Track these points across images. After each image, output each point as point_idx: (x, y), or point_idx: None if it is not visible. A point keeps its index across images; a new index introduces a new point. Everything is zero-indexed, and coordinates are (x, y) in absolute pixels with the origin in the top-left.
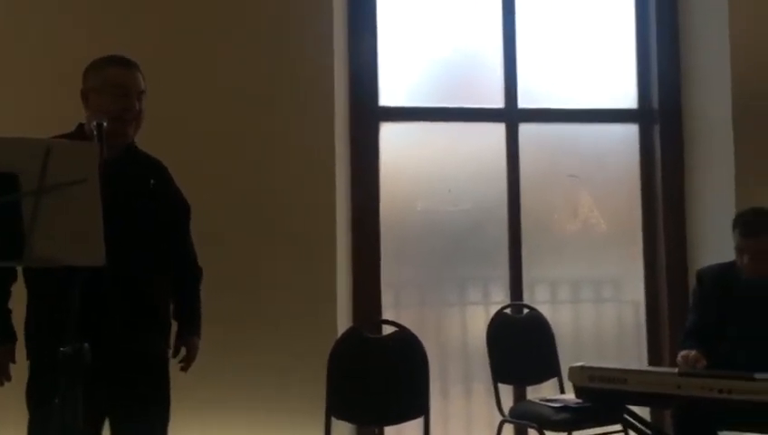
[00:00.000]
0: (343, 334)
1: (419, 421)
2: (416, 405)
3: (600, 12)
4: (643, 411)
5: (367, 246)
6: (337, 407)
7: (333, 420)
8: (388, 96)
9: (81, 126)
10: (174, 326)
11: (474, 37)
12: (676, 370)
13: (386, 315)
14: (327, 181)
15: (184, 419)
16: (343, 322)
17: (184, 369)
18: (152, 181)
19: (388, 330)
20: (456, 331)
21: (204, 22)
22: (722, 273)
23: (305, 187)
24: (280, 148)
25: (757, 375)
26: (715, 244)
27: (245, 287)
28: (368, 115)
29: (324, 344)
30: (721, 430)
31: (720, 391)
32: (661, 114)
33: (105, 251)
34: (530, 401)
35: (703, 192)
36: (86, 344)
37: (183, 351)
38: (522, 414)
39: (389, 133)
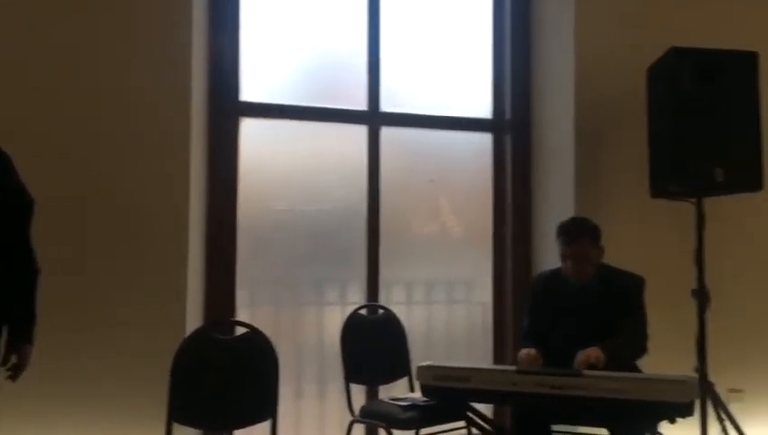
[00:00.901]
0: (190, 335)
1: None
2: (263, 408)
3: (460, 26)
4: (487, 408)
5: (222, 245)
6: (179, 411)
7: (176, 425)
8: (251, 92)
9: None
10: None
11: (340, 39)
12: (513, 368)
13: (241, 315)
14: (181, 176)
15: (17, 424)
16: (194, 322)
17: (12, 378)
18: None
19: (241, 331)
20: (312, 331)
21: (51, 11)
22: (552, 278)
23: (158, 182)
24: (132, 142)
25: (585, 372)
26: (556, 250)
27: (92, 285)
28: (228, 110)
29: (171, 346)
30: (554, 423)
31: (552, 388)
32: (512, 125)
33: None
34: (379, 401)
35: (546, 201)
36: None
37: (13, 359)
38: (371, 414)
39: (250, 129)
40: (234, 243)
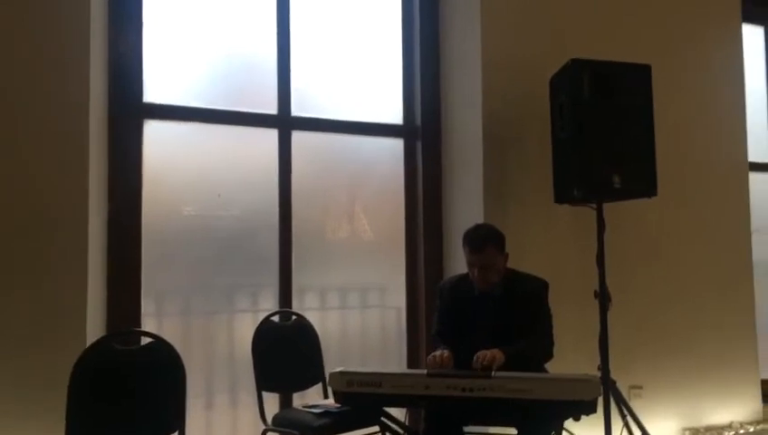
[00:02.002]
0: (89, 347)
1: None
2: (169, 420)
3: (370, 33)
4: (401, 412)
5: (125, 252)
6: (79, 427)
7: None
8: (156, 93)
9: None
10: None
11: (250, 41)
12: (425, 371)
13: (148, 325)
14: (79, 181)
15: None
16: (95, 334)
17: None
18: None
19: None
20: (223, 340)
21: None
22: (458, 284)
23: (54, 187)
24: (24, 146)
25: (494, 374)
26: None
27: None
28: (130, 111)
29: (70, 359)
30: (466, 424)
31: (463, 390)
32: (423, 131)
33: None
34: (293, 409)
35: (457, 206)
36: None
37: None
38: (283, 422)
39: (156, 132)
40: (138, 250)
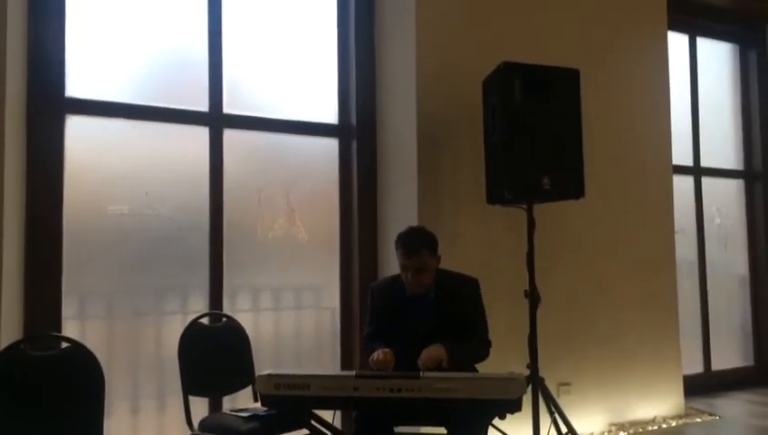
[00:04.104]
0: (1, 352)
1: None
2: (86, 429)
3: (305, 32)
4: (331, 415)
5: (45, 252)
6: None
7: None
8: (80, 88)
9: None
10: None
11: (180, 36)
12: (353, 373)
13: (69, 327)
14: None
15: None
16: (12, 338)
17: None
18: None
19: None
20: (150, 342)
21: None
22: (390, 286)
23: None
24: None
25: (422, 374)
26: None
27: None
28: (51, 106)
29: None
30: (397, 425)
31: (392, 390)
32: (358, 131)
33: None
34: (221, 413)
35: (391, 206)
36: None
37: None
38: (210, 427)
39: (79, 128)
40: (59, 250)
